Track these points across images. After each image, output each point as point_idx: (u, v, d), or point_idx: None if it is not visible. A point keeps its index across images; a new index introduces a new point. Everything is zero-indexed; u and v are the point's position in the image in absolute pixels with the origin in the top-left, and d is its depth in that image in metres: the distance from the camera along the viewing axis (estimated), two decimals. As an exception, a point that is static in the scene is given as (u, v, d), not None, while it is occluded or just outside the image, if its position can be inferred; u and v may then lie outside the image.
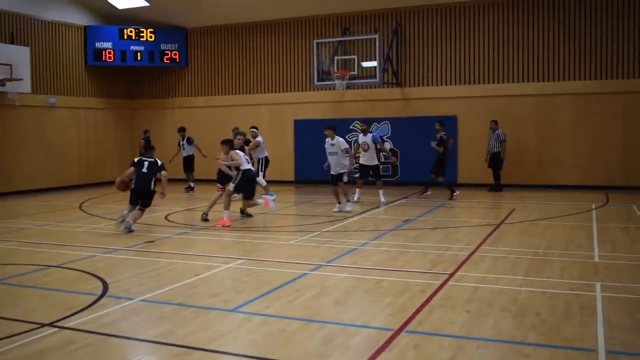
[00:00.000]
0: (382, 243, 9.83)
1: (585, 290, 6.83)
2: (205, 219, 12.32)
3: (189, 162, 19.07)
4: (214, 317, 6.05)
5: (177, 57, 22.46)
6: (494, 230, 10.90)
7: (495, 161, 17.42)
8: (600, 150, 17.40)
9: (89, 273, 7.99)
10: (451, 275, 7.55)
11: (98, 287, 7.25)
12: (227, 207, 12.04)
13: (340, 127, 18.37)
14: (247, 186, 12.15)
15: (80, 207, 15.60)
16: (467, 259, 8.49)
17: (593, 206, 14.01)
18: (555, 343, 5.22)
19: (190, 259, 8.88)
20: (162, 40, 22.25)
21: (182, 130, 19.07)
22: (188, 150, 19.00)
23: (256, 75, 21.53)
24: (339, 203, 13.53)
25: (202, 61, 22.49)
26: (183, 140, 19.00)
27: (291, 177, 20.64)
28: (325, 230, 11.21)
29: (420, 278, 7.48)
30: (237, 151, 12.38)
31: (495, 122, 17.37)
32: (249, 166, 12.46)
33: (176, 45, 22.49)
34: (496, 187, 17.45)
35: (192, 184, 18.88)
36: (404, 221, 12.09)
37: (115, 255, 9.22)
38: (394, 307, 6.25)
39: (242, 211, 13.19)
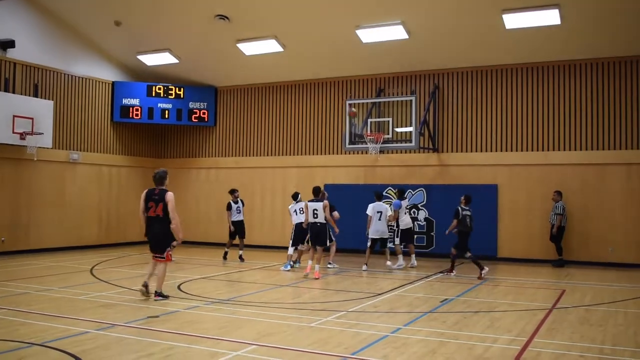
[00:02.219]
0: (417, 330, 8.47)
1: (675, 409, 5.42)
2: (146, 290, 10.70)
3: (243, 226, 17.08)
4: None
5: (205, 116, 21.79)
6: (546, 316, 9.47)
7: (551, 235, 16.19)
8: (655, 225, 15.93)
9: (72, 355, 6.81)
10: (503, 378, 6.19)
11: (77, 377, 6.07)
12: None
13: (372, 192, 17.26)
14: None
15: (91, 270, 14.56)
16: (520, 355, 7.10)
17: (655, 289, 12.50)
18: None
19: (195, 342, 7.64)
20: (190, 99, 21.64)
21: (235, 191, 17.12)
22: (242, 214, 17.06)
23: (286, 136, 20.67)
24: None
25: (230, 121, 21.75)
26: (237, 202, 17.01)
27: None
28: (351, 309, 9.90)
29: (466, 381, 6.13)
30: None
31: (559, 192, 16.14)
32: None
33: (205, 104, 21.85)
34: (558, 262, 16.11)
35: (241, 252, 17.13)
36: (442, 302, 10.72)
37: (109, 333, 8.03)
38: None
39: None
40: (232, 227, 16.76)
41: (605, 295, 11.62)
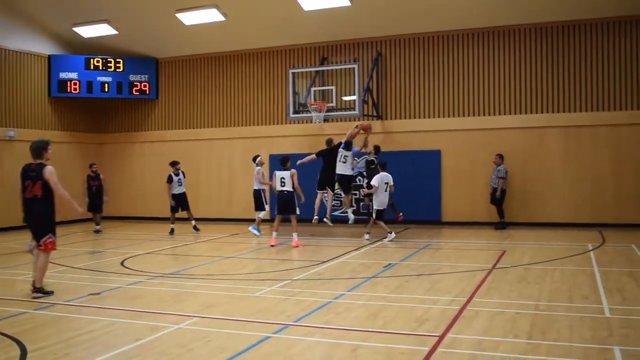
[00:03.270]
0: (360, 295, 8.58)
1: (603, 359, 5.63)
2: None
3: (185, 198, 17.13)
4: (144, 404, 4.77)
5: (147, 88, 21.33)
6: (486, 277, 9.70)
7: (493, 198, 16.47)
8: (590, 185, 16.42)
9: (8, 336, 6.67)
10: (441, 337, 6.32)
11: (14, 357, 5.95)
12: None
13: (319, 161, 17.25)
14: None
15: (31, 251, 14.19)
16: (459, 314, 7.27)
17: (590, 247, 12.92)
18: None
19: (136, 317, 7.57)
20: (131, 71, 21.12)
21: (176, 163, 17.04)
22: (184, 186, 17.07)
23: (230, 107, 20.43)
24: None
25: (173, 93, 21.36)
26: (178, 174, 16.97)
27: (267, 215, 19.34)
28: (296, 278, 9.95)
29: (405, 342, 6.24)
30: None
31: (500, 156, 16.39)
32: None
33: (146, 76, 21.38)
34: (500, 224, 16.43)
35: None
36: (385, 267, 10.86)
37: (48, 313, 7.89)
38: (373, 387, 5.02)
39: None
40: (172, 201, 16.64)
41: (543, 254, 11.95)
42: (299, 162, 15.18)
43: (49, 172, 8.72)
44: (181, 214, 17.11)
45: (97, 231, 17.45)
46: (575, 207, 16.58)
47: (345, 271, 10.57)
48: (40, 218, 8.89)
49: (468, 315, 7.25)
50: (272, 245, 13.79)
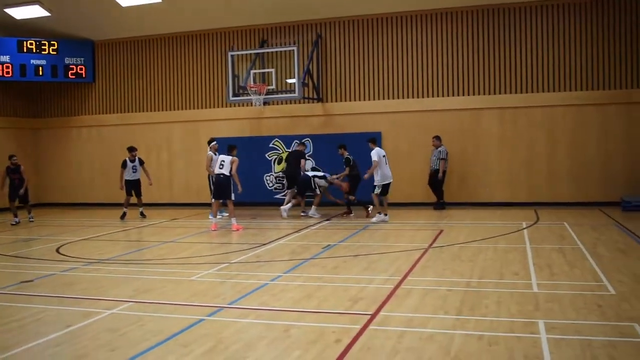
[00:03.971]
0: (297, 276, 8.64)
1: (528, 332, 5.83)
2: None
3: (139, 185, 16.94)
4: (70, 390, 4.71)
5: (83, 72, 20.79)
6: (422, 256, 9.88)
7: (434, 179, 16.68)
8: (526, 165, 16.85)
9: None
10: (373, 316, 6.42)
11: (-63, 348, 5.79)
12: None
13: (260, 144, 17.29)
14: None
15: (-38, 238, 13.80)
16: (392, 293, 7.39)
17: (524, 225, 13.28)
18: (500, 413, 4.16)
19: (69, 303, 7.46)
20: (66, 54, 20.54)
21: (133, 149, 16.83)
22: (139, 173, 16.84)
23: (169, 91, 20.09)
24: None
25: (111, 76, 20.87)
26: (134, 160, 16.74)
27: (207, 199, 19.20)
28: (234, 261, 9.93)
29: (337, 321, 6.32)
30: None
31: (438, 137, 16.60)
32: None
33: (82, 59, 20.82)
34: (439, 205, 16.68)
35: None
36: (324, 248, 10.94)
37: (-24, 302, 7.68)
38: (302, 366, 5.07)
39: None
40: (122, 185, 16.49)
41: (479, 233, 12.21)
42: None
43: None
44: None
45: (31, 220, 16.94)
46: (511, 186, 17.00)
47: (284, 253, 10.60)
48: None
49: (401, 294, 7.38)
50: (213, 230, 13.71)
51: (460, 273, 8.55)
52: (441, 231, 12.65)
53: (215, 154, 15.88)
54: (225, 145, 14.75)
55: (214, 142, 16.02)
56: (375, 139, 15.22)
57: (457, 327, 6.03)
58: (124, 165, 16.62)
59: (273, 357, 5.31)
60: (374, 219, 14.42)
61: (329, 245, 11.25)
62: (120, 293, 7.90)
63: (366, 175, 14.73)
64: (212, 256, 10.60)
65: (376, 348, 5.44)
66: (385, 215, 14.57)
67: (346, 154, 15.65)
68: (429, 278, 8.27)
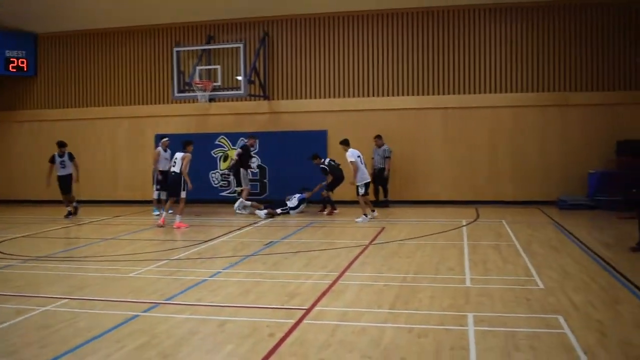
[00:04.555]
0: (236, 272, 8.67)
1: (457, 324, 6.01)
2: None
3: (68, 181, 16.10)
4: (-4, 386, 4.66)
5: (24, 65, 20.30)
6: (361, 252, 10.03)
7: (380, 177, 16.84)
8: (468, 165, 17.22)
9: None
10: (308, 310, 6.52)
11: None
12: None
13: (205, 141, 17.19)
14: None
15: None
16: (329, 288, 7.50)
17: (464, 222, 13.58)
18: (422, 401, 4.30)
19: (2, 300, 7.32)
20: (7, 47, 20.02)
21: (62, 145, 16.00)
22: (69, 169, 16.04)
23: (113, 86, 19.79)
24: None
25: (54, 70, 20.42)
26: (63, 156, 15.96)
27: (152, 196, 19.01)
28: (174, 258, 9.90)
29: (273, 316, 6.39)
30: None
31: (380, 137, 16.76)
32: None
33: (23, 52, 20.33)
34: (380, 202, 16.84)
35: (73, 206, 16.15)
36: (266, 244, 10.99)
37: None
38: (234, 359, 5.11)
39: None
40: (48, 183, 15.76)
41: (420, 230, 12.45)
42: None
43: None
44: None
45: None
46: (454, 185, 17.34)
47: (226, 250, 10.62)
48: None
49: (338, 289, 7.50)
50: (161, 225, 13.62)
51: (397, 269, 8.72)
52: (383, 228, 12.84)
53: (166, 151, 15.80)
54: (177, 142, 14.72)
55: (166, 139, 15.92)
56: (347, 140, 15.06)
57: (389, 320, 6.17)
58: (52, 160, 15.88)
59: (205, 352, 5.35)
60: (358, 220, 14.14)
61: (271, 242, 11.30)
62: (55, 290, 7.80)
63: (354, 182, 14.42)
64: (152, 253, 10.53)
65: (309, 341, 5.53)
66: (373, 211, 14.67)
67: (322, 162, 15.62)
68: (367, 274, 8.42)
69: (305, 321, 6.14)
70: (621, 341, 5.49)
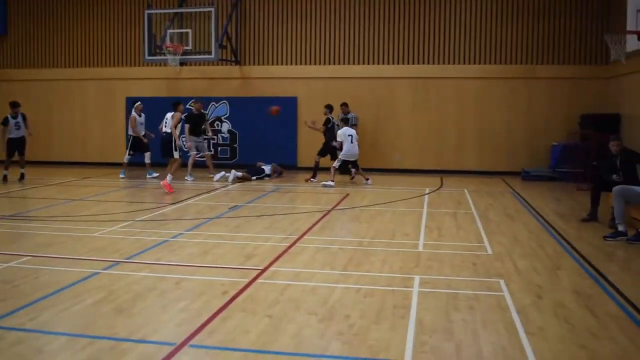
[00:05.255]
0: (198, 234, 8.90)
1: (403, 286, 6.33)
2: None
3: (23, 143, 15.52)
4: (-46, 336, 4.86)
5: (-6, 23, 20.05)
6: (323, 217, 10.31)
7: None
8: (436, 134, 17.52)
9: None
10: (263, 271, 6.79)
11: None
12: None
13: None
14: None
15: None
16: (286, 250, 7.77)
17: (427, 191, 13.90)
18: (358, 354, 4.60)
19: (-36, 256, 7.49)
20: (-25, 4, 19.74)
21: (16, 105, 15.39)
22: (22, 130, 15.41)
23: (84, 47, 19.66)
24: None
25: (24, 28, 20.19)
26: (17, 117, 15.34)
27: (120, 159, 19.03)
28: (139, 219, 10.08)
29: (228, 275, 6.65)
30: None
31: (346, 104, 16.91)
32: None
33: (-7, 10, 20.07)
34: (349, 171, 17.03)
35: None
36: (230, 208, 11.22)
37: None
38: (186, 314, 5.38)
39: None
40: (4, 145, 15.14)
41: (383, 198, 12.75)
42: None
43: None
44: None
45: None
46: (421, 154, 17.66)
47: (191, 212, 10.83)
48: None
49: (295, 252, 7.77)
50: (170, 192, 13.15)
51: (355, 234, 9.02)
52: (347, 195, 13.12)
53: (140, 115, 15.82)
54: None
55: (138, 103, 15.95)
56: (347, 119, 15.56)
57: (340, 281, 6.46)
58: (5, 122, 15.13)
59: (160, 307, 5.59)
60: (324, 183, 14.61)
61: (236, 205, 11.52)
62: (19, 248, 7.97)
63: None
64: (118, 214, 10.69)
65: (259, 299, 5.80)
66: (367, 179, 15.15)
67: (329, 115, 15.96)
68: (325, 237, 8.70)
69: (258, 280, 6.41)
70: (554, 303, 5.84)
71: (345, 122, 15.44)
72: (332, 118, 15.87)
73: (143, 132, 15.91)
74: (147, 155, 15.99)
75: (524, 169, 16.64)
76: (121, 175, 16.11)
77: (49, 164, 18.87)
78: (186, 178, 15.32)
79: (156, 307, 5.58)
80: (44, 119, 19.29)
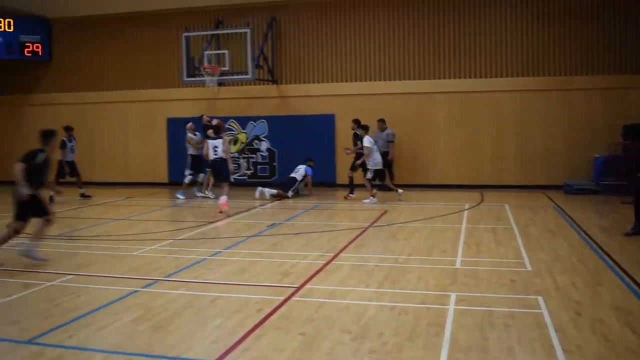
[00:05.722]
0: (236, 252, 9.00)
1: (438, 303, 6.29)
2: None
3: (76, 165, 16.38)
4: (-2, 353, 5.01)
5: (39, 49, 20.69)
6: (360, 234, 10.31)
7: (384, 161, 17.01)
8: (473, 148, 17.38)
9: None
10: (298, 288, 6.82)
11: None
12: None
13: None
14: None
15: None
16: (322, 268, 7.80)
17: (466, 206, 13.78)
18: (391, 372, 4.59)
19: (13, 275, 7.74)
20: (21, 31, 20.39)
21: (70, 129, 16.23)
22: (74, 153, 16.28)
23: (124, 70, 20.12)
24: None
25: (67, 54, 20.79)
26: (72, 141, 16.19)
27: (164, 179, 19.40)
28: (179, 238, 10.24)
29: (264, 293, 6.70)
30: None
31: (383, 120, 16.95)
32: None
33: (38, 37, 20.71)
34: (384, 187, 17.04)
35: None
36: (269, 226, 11.31)
37: None
38: (221, 332, 5.44)
39: None
40: (67, 168, 15.97)
41: (421, 214, 12.69)
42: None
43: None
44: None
45: None
46: (459, 169, 17.52)
47: (229, 231, 10.96)
48: None
49: (330, 269, 7.79)
50: (224, 209, 13.20)
51: (391, 250, 9.00)
52: (385, 212, 13.09)
53: (195, 135, 16.11)
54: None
55: (190, 123, 16.25)
56: (368, 127, 15.35)
57: (374, 298, 6.45)
58: (63, 146, 15.73)
59: (195, 324, 5.67)
60: (366, 201, 14.61)
61: (274, 223, 11.61)
62: (63, 267, 8.18)
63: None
64: (159, 233, 10.88)
65: (293, 317, 5.83)
66: (374, 197, 14.86)
67: (357, 130, 15.57)
68: (361, 255, 8.70)
69: (293, 298, 6.44)
70: (594, 320, 5.72)
71: (366, 129, 15.22)
72: (359, 132, 15.80)
73: (199, 152, 15.99)
74: (202, 175, 16.23)
75: (565, 182, 16.36)
76: (179, 196, 15.91)
77: (93, 185, 19.28)
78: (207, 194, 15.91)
79: (192, 325, 5.66)
80: (86, 141, 19.77)
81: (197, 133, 16.18)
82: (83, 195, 16.30)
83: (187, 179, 16.13)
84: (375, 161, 14.86)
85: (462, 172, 17.51)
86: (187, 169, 16.19)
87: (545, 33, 16.91)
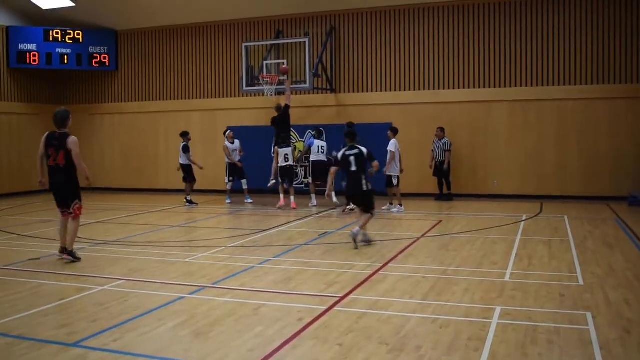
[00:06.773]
0: (284, 260, 9.07)
1: (482, 317, 6.17)
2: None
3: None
4: (45, 354, 5.20)
5: (106, 60, 21.45)
6: (411, 244, 10.23)
7: (440, 170, 16.94)
8: (535, 158, 16.99)
9: (-63, 298, 7.06)
10: (341, 298, 6.82)
11: (-62, 316, 6.35)
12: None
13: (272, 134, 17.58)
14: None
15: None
16: (368, 278, 7.78)
17: (524, 217, 13.49)
18: (423, 386, 4.53)
19: (66, 279, 8.02)
20: (90, 43, 21.20)
21: (186, 134, 17.02)
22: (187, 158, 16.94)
23: (187, 80, 20.65)
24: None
25: (133, 65, 21.51)
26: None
27: (222, 186, 19.69)
28: (230, 245, 10.40)
29: (307, 302, 6.73)
30: None
31: (442, 129, 16.83)
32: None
33: (105, 48, 21.47)
34: (443, 196, 16.95)
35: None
36: (320, 235, 11.35)
37: (-18, 276, 8.28)
38: (259, 340, 5.50)
39: None
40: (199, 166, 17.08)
41: (476, 224, 12.47)
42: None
43: (73, 142, 9.02)
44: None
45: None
46: (520, 179, 17.15)
47: (281, 239, 11.05)
48: (63, 187, 9.12)
49: (376, 279, 7.76)
50: (293, 208, 15.21)
51: (440, 261, 8.88)
52: (440, 222, 12.95)
53: (233, 143, 16.62)
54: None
55: (229, 131, 16.76)
56: (397, 129, 15.01)
57: (417, 310, 6.39)
58: (187, 149, 16.76)
59: (235, 332, 5.74)
60: (394, 210, 14.65)
61: (325, 232, 11.65)
62: (115, 271, 8.43)
63: (385, 170, 14.44)
64: (212, 240, 11.08)
65: (333, 327, 5.84)
66: (391, 204, 14.91)
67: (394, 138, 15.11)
68: (409, 266, 8.63)
69: (335, 308, 6.45)
70: (643, 339, 5.52)
71: (395, 132, 14.88)
72: (388, 135, 15.25)
73: (238, 159, 16.65)
74: (244, 182, 16.89)
75: (631, 194, 15.81)
76: (227, 201, 17.12)
77: (157, 192, 19.84)
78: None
79: (232, 332, 5.74)
80: (151, 149, 20.42)
81: (236, 140, 16.92)
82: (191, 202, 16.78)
83: (229, 185, 17.11)
84: (397, 167, 14.64)
85: (523, 182, 17.14)
86: (226, 176, 17.14)
87: (612, 39, 16.41)
